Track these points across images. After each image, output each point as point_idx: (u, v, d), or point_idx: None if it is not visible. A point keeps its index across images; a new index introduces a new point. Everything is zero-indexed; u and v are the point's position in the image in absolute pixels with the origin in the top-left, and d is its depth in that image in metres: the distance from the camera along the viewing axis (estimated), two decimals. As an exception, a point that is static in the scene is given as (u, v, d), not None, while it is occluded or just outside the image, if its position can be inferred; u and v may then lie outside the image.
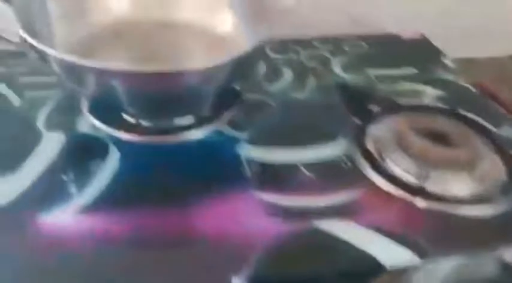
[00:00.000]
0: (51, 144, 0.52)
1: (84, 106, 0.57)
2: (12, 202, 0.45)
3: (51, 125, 0.55)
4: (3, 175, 0.48)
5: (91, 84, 0.46)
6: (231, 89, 0.60)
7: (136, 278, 0.40)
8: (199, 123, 0.56)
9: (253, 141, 0.55)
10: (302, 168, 0.52)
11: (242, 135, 0.56)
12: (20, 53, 0.65)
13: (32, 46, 0.44)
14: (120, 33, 0.61)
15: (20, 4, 0.49)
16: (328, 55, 0.73)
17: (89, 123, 0.55)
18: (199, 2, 0.64)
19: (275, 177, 0.51)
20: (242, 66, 0.51)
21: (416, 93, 0.65)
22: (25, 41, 0.45)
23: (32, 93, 0.59)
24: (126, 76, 0.43)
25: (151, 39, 0.62)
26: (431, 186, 0.49)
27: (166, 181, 0.49)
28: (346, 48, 0.75)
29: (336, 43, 0.76)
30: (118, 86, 0.45)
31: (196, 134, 0.55)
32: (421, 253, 0.43)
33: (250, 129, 0.56)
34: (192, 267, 0.41)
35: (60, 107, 0.58)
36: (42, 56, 0.45)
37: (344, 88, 0.59)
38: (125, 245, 0.42)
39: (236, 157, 0.53)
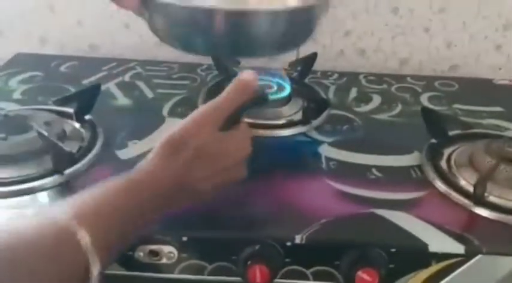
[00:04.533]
0: (170, 126, 0.65)
1: (201, 102, 0.69)
2: (136, 157, 0.58)
3: (173, 113, 0.68)
4: (134, 140, 0.61)
5: (181, 27, 0.54)
6: (321, 100, 0.69)
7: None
8: (291, 124, 0.66)
9: (334, 145, 0.63)
10: (373, 169, 0.58)
11: (325, 139, 0.64)
12: (154, 62, 0.83)
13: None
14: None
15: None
16: (419, 89, 0.79)
17: (202, 115, 0.67)
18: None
19: (347, 172, 0.58)
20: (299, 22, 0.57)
21: (498, 127, 0.69)
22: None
23: (161, 90, 0.74)
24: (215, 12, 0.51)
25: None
26: (494, 199, 0.53)
27: (257, 161, 0.58)
28: (438, 86, 0.80)
29: (429, 81, 0.82)
30: (202, 25, 0.53)
31: (286, 133, 0.65)
32: (475, 250, 0.47)
33: (333, 136, 0.65)
34: (267, 222, 0.50)
35: (182, 102, 0.71)
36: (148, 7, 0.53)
37: (427, 112, 0.65)
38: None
39: (316, 155, 0.61)
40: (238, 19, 0.54)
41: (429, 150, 0.61)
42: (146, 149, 0.60)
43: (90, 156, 0.57)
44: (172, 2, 0.52)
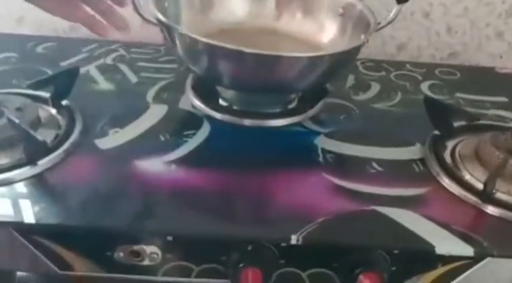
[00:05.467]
0: (155, 113, 0.60)
1: (188, 88, 0.64)
2: (118, 147, 0.54)
3: (158, 99, 0.63)
4: (115, 128, 0.56)
5: (205, 61, 0.54)
6: (318, 89, 0.65)
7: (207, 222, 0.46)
8: (285, 114, 0.61)
9: (331, 136, 0.59)
10: (374, 163, 0.54)
11: (322, 129, 0.60)
12: (139, 43, 0.77)
13: (164, 24, 0.53)
14: (235, 32, 0.69)
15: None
16: (419, 77, 0.75)
17: (190, 102, 0.63)
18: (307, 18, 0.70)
19: (346, 165, 0.54)
20: (337, 66, 0.56)
21: (503, 118, 0.65)
22: (159, 21, 0.54)
23: (146, 74, 0.69)
24: (237, 55, 0.50)
25: (258, 42, 0.69)
26: (502, 196, 0.50)
27: (247, 154, 0.55)
28: (439, 74, 0.76)
29: (429, 68, 0.78)
30: (227, 64, 0.52)
31: (281, 122, 0.60)
32: (484, 252, 0.43)
33: (330, 127, 0.60)
34: (260, 221, 0.46)
35: (168, 87, 0.66)
36: (170, 33, 0.53)
37: (430, 102, 0.61)
38: (200, 194, 0.48)
39: (313, 146, 0.57)
40: (262, 63, 0.50)
41: (432, 142, 0.58)
42: (128, 139, 0.55)
43: (66, 145, 0.52)
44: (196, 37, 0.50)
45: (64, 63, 0.70)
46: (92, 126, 0.56)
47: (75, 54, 0.73)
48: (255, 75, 0.53)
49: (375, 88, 0.71)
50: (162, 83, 0.67)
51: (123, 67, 0.71)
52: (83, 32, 0.83)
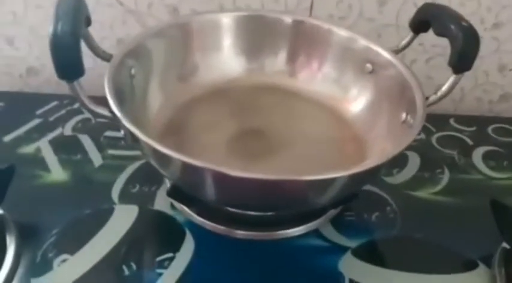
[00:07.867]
0: (120, 222, 0.44)
1: (167, 179, 0.48)
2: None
3: (126, 197, 0.47)
4: (63, 255, 0.41)
5: (179, 175, 0.37)
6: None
7: None
8: (297, 218, 0.45)
9: (362, 255, 0.43)
10: (425, 308, 0.38)
11: (348, 242, 0.44)
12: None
13: (121, 124, 0.36)
14: (233, 93, 0.53)
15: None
16: (469, 141, 0.58)
17: (167, 201, 0.47)
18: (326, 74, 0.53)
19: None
20: (366, 179, 0.40)
21: None
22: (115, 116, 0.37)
23: (114, 152, 0.53)
24: (219, 176, 0.33)
25: (266, 104, 0.53)
26: None
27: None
28: (493, 134, 0.60)
29: (480, 125, 0.61)
30: (208, 182, 0.36)
31: (291, 233, 0.44)
32: None
33: (359, 236, 0.44)
34: None
35: (140, 174, 0.50)
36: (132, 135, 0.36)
37: (498, 207, 0.45)
38: None
39: (336, 274, 0.41)
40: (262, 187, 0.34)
41: (501, 263, 0.42)
42: (78, 275, 0.39)
43: (-11, 294, 0.37)
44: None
45: (7, 138, 0.54)
46: (31, 252, 0.41)
47: (25, 120, 0.57)
48: (252, 199, 0.37)
49: (414, 162, 0.54)
50: (135, 165, 0.51)
51: (86, 140, 0.54)
52: (45, 75, 0.68)
